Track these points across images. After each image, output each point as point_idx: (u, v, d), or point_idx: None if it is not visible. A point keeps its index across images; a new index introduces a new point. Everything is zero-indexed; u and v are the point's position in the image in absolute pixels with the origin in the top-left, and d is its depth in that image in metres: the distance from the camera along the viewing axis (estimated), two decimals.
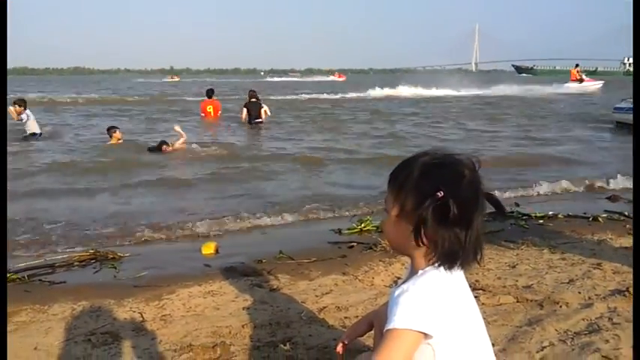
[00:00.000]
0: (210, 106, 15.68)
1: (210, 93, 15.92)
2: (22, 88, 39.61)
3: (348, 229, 4.84)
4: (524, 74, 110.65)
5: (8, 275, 3.69)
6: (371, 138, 12.39)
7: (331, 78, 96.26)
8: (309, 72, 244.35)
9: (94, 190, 6.93)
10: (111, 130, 10.63)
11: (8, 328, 2.92)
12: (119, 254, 4.17)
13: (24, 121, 11.52)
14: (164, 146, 9.46)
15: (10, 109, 11.27)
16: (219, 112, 15.87)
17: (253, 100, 14.34)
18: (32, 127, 11.64)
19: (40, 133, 11.83)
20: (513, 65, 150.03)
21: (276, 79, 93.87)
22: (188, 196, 6.70)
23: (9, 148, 9.36)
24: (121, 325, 2.93)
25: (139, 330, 2.86)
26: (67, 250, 4.53)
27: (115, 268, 3.94)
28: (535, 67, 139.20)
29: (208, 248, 4.23)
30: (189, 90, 39.27)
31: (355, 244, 4.40)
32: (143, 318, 3.02)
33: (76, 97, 28.38)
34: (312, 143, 11.37)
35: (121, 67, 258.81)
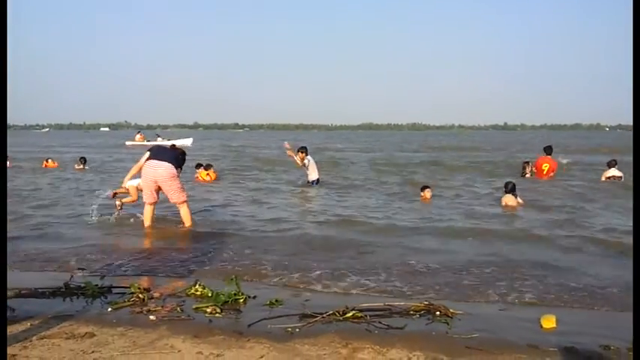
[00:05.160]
0: (547, 165, 15.57)
1: (548, 150, 15.88)
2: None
3: None
4: None
5: (352, 312, 4.10)
6: None
7: None
8: None
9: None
10: (424, 188, 11.21)
11: None
12: (452, 310, 4.20)
13: (306, 165, 13.18)
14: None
15: (295, 156, 13.30)
16: (554, 171, 15.65)
17: None
18: (312, 173, 13.21)
19: (318, 179, 13.30)
20: None
21: None
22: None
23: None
24: None
25: None
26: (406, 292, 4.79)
27: (448, 324, 3.97)
28: None
29: (549, 322, 3.90)
30: None
31: None
32: None
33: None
34: None
35: (455, 123, 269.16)
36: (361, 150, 36.50)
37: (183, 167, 8.12)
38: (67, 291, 4.62)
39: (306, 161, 13.20)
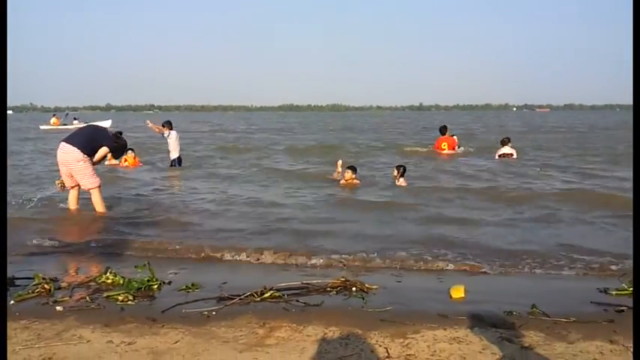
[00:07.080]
0: (445, 143, 16.30)
1: (443, 130, 16.62)
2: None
3: (617, 290, 4.22)
4: None
5: (270, 292, 4.10)
6: None
7: None
8: (569, 108, 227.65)
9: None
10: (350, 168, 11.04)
11: (271, 342, 3.24)
12: (367, 286, 4.30)
13: (167, 139, 12.92)
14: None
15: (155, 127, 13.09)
16: (455, 147, 16.37)
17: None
18: (173, 150, 12.97)
19: (179, 158, 13.08)
20: None
21: None
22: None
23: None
24: (368, 357, 2.99)
25: None
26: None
27: (363, 298, 4.06)
28: None
29: (458, 292, 4.09)
30: None
31: (626, 308, 3.80)
32: (388, 354, 3.04)
33: None
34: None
35: (373, 105, 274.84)
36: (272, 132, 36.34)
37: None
38: None
39: (166, 133, 12.86)
